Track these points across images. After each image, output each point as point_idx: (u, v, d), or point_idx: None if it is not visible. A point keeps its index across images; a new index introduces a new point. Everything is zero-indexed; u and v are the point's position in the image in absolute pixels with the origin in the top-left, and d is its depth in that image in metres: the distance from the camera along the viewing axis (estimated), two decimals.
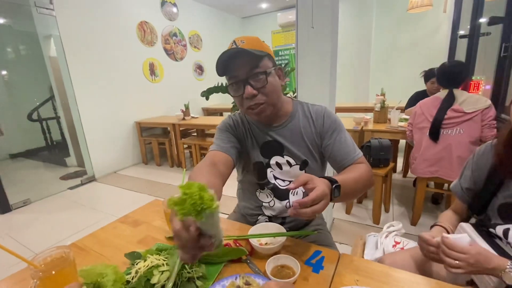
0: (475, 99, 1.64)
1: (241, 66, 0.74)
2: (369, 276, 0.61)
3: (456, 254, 0.64)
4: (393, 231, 1.05)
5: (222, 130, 0.89)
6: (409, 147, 2.54)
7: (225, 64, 0.75)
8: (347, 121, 2.58)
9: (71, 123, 3.28)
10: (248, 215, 0.98)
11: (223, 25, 5.63)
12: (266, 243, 0.72)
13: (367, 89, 4.88)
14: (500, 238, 0.73)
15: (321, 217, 1.05)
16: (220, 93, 3.05)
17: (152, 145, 3.82)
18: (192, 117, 3.66)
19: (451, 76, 1.71)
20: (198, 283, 0.58)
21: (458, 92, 1.70)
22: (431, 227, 0.87)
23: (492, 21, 2.34)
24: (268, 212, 0.93)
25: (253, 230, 0.75)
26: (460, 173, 0.89)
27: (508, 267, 0.60)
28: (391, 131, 2.25)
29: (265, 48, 0.78)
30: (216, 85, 3.05)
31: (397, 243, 0.99)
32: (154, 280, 0.55)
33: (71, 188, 3.15)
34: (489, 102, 1.61)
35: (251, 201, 0.95)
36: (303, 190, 0.82)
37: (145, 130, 3.99)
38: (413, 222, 1.99)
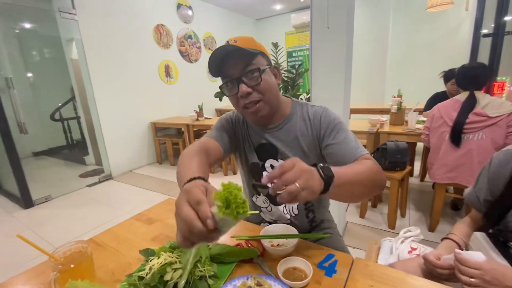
0: (499, 103, 1.56)
1: (234, 65, 0.72)
2: (384, 282, 0.59)
3: (470, 270, 0.61)
4: (410, 236, 1.01)
5: (223, 122, 0.89)
6: (427, 150, 2.45)
7: (219, 64, 0.74)
8: (362, 123, 2.53)
9: (90, 123, 3.41)
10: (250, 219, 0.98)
11: (237, 27, 5.67)
12: (278, 245, 0.72)
13: (383, 90, 4.76)
14: None
15: (331, 219, 1.03)
16: None
17: (167, 145, 3.90)
18: (206, 118, 3.70)
19: (472, 78, 1.64)
20: (210, 281, 0.59)
21: (480, 94, 1.62)
22: (442, 239, 0.84)
23: None
24: (267, 217, 0.92)
25: (265, 231, 0.75)
26: (474, 181, 0.85)
27: None
28: (408, 134, 2.18)
29: (259, 46, 0.77)
30: None
31: (414, 249, 0.95)
32: (167, 277, 0.56)
33: (89, 185, 3.27)
34: None
35: (251, 205, 0.96)
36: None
37: (160, 130, 4.08)
38: (431, 228, 1.91)
